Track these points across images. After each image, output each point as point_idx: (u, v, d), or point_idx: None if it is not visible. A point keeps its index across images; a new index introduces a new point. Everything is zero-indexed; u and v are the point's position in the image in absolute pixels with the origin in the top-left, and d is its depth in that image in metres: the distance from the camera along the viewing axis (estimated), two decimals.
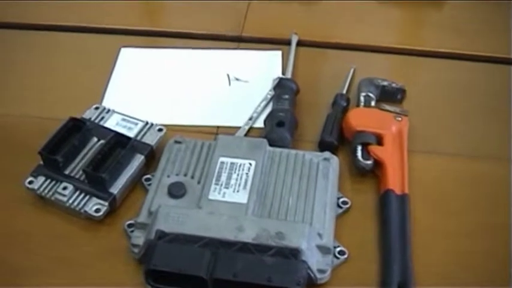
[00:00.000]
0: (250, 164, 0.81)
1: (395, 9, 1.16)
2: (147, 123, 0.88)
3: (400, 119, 0.89)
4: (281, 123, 0.86)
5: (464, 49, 1.06)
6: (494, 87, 1.00)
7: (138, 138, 0.86)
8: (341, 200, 0.82)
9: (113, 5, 1.13)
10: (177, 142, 0.85)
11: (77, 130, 0.86)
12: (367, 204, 0.83)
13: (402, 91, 0.95)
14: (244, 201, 0.77)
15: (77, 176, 0.83)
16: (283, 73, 0.98)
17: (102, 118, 0.89)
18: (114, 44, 1.05)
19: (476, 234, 0.81)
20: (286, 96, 0.91)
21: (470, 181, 0.87)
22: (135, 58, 1.02)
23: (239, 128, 0.91)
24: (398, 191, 0.82)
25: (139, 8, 1.14)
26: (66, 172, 0.83)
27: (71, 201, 0.80)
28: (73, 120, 0.86)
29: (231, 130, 0.91)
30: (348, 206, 0.81)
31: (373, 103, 0.92)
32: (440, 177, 0.87)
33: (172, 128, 0.89)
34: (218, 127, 0.92)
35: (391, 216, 0.79)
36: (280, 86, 0.93)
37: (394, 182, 0.82)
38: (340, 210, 0.81)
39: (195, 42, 1.06)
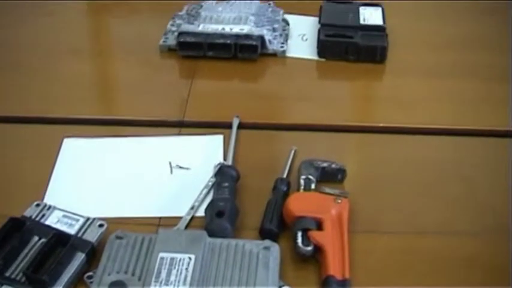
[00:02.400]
0: (189, 258, 0.81)
1: (336, 84, 1.18)
2: (88, 219, 0.88)
3: (340, 201, 0.90)
4: (221, 214, 0.87)
5: (405, 122, 1.08)
6: (436, 160, 1.02)
7: (79, 235, 0.86)
8: None
9: (54, 94, 1.13)
10: (118, 237, 0.85)
11: (17, 229, 0.85)
12: None
13: (342, 171, 0.96)
14: None
15: (18, 278, 0.82)
16: (224, 158, 0.98)
17: (43, 215, 0.89)
18: (57, 135, 1.05)
19: None
20: (226, 184, 0.91)
21: (416, 259, 0.87)
22: (77, 149, 1.02)
23: (181, 217, 0.91)
24: (339, 276, 0.82)
25: (81, 97, 1.14)
26: (7, 274, 0.82)
27: None
28: (13, 220, 0.86)
29: (173, 220, 0.91)
30: None
31: (313, 186, 0.93)
32: (384, 257, 0.87)
33: (114, 221, 0.89)
34: (160, 218, 0.91)
35: None
36: (221, 173, 0.94)
37: (334, 267, 0.83)
38: None
39: (138, 129, 1.06)
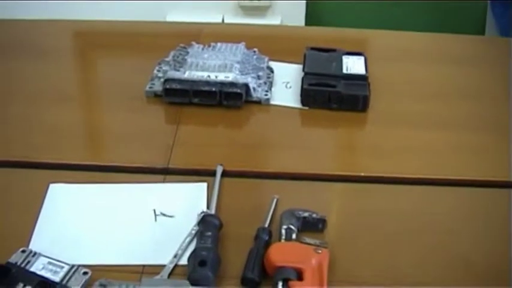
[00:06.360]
0: None
1: (319, 132, 1.20)
2: (72, 266, 0.90)
3: (320, 251, 0.91)
4: (203, 263, 0.88)
5: (385, 172, 1.10)
6: (414, 210, 1.04)
7: (64, 282, 0.88)
8: None
9: (39, 139, 1.15)
10: (101, 285, 0.87)
11: (2, 276, 0.87)
12: None
13: (323, 221, 0.98)
14: None
15: None
16: (208, 207, 1.00)
17: (29, 262, 0.91)
18: (43, 180, 1.06)
19: None
20: (209, 233, 0.93)
21: None
22: (63, 195, 1.04)
23: (165, 266, 0.92)
24: None
25: (67, 143, 1.16)
26: None
27: None
28: None
29: (157, 268, 0.92)
30: None
31: (294, 235, 0.94)
32: None
33: (98, 269, 0.91)
34: (144, 266, 0.93)
35: None
36: (204, 222, 0.95)
37: None
38: None
39: (124, 175, 1.08)
